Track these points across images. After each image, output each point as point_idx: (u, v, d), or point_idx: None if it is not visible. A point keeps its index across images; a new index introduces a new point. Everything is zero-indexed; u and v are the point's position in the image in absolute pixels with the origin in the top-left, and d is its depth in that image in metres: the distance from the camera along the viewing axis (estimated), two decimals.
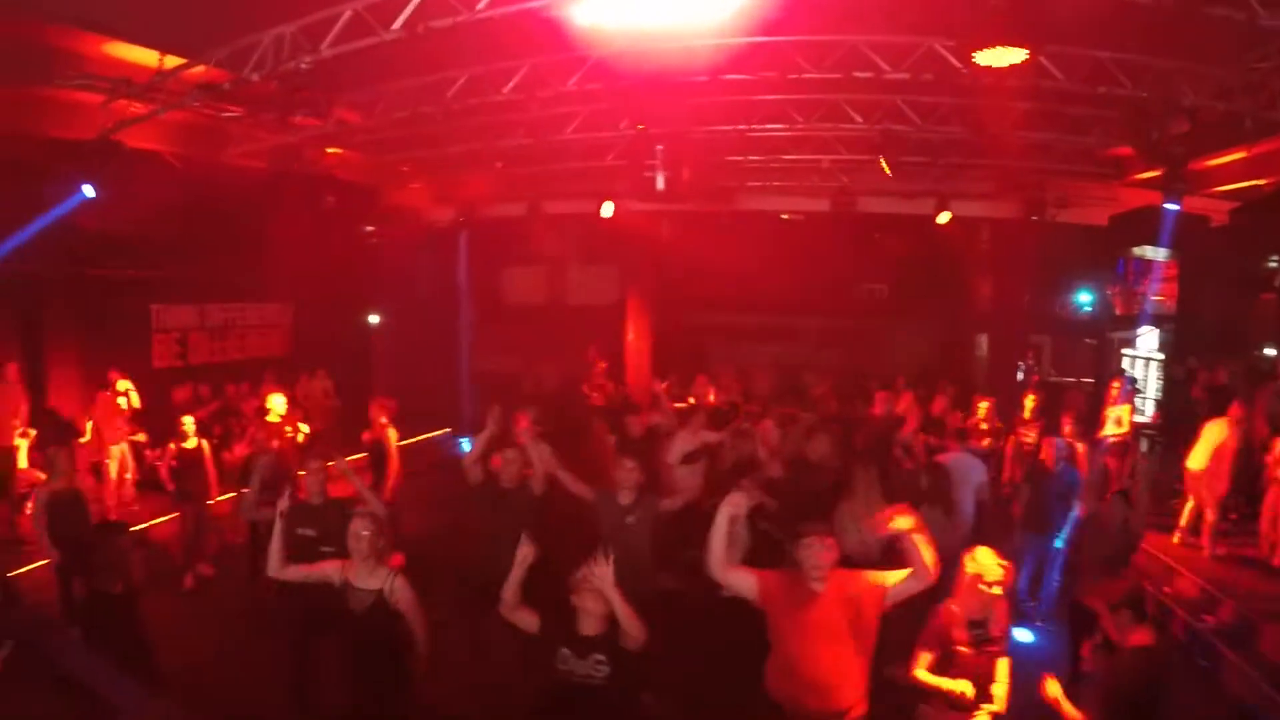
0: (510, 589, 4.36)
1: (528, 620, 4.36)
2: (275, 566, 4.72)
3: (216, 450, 9.10)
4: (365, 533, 4.64)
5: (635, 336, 16.02)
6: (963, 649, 4.34)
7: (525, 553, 4.36)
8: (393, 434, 8.69)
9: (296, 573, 4.81)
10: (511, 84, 7.85)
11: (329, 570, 4.74)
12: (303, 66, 6.53)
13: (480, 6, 5.74)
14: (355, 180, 12.17)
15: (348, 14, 6.17)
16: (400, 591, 4.61)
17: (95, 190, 8.45)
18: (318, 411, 11.57)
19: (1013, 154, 10.11)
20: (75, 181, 8.45)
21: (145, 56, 7.77)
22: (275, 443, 8.26)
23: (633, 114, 8.93)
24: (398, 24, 5.98)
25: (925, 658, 4.40)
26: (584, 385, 13.70)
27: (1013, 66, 6.24)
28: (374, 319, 15.61)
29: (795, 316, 17.49)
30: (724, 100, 9.05)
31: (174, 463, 8.67)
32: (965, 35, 6.32)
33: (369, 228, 13.91)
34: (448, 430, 14.10)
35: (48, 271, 10.25)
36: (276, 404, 9.51)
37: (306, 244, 12.45)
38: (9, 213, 8.91)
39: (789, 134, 10.15)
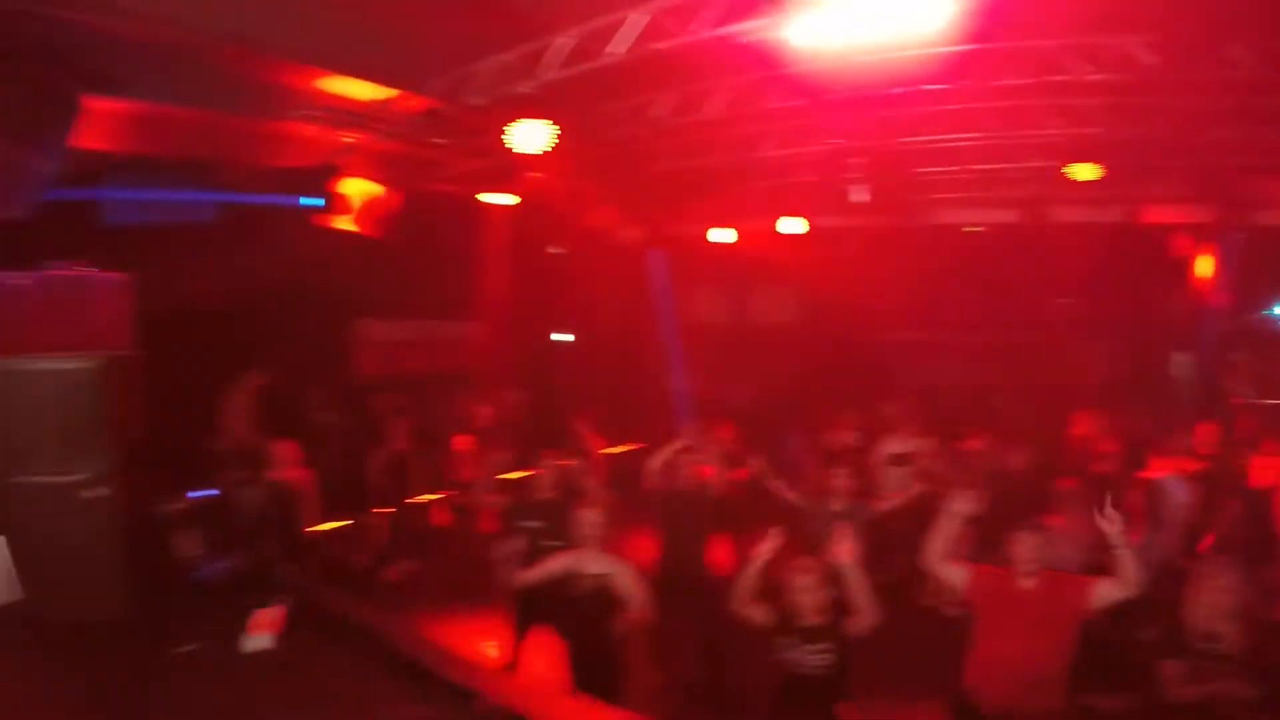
0: (745, 582, 4.53)
1: (758, 613, 4.51)
2: (515, 575, 5.00)
3: (418, 455, 9.57)
4: (594, 521, 4.86)
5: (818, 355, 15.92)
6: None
7: (767, 547, 4.50)
8: (596, 444, 9.01)
9: (532, 575, 5.05)
10: (713, 104, 7.95)
11: (560, 562, 4.96)
12: (523, 93, 6.78)
13: (695, 26, 5.85)
14: (548, 202, 12.51)
15: (567, 42, 6.40)
16: (623, 578, 4.79)
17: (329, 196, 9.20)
18: (510, 424, 11.95)
19: (1210, 153, 9.61)
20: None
21: (364, 90, 8.24)
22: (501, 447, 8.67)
23: (829, 129, 8.92)
24: (621, 47, 6.14)
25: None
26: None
27: (1210, 60, 6.01)
28: (564, 337, 16.05)
29: (981, 333, 16.67)
30: (916, 111, 8.95)
31: (382, 464, 9.15)
32: (1163, 32, 6.11)
33: (560, 248, 14.49)
34: (640, 445, 14.26)
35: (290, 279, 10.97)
36: (473, 414, 9.92)
37: (500, 264, 13.08)
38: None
39: (979, 143, 9.92)
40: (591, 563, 4.93)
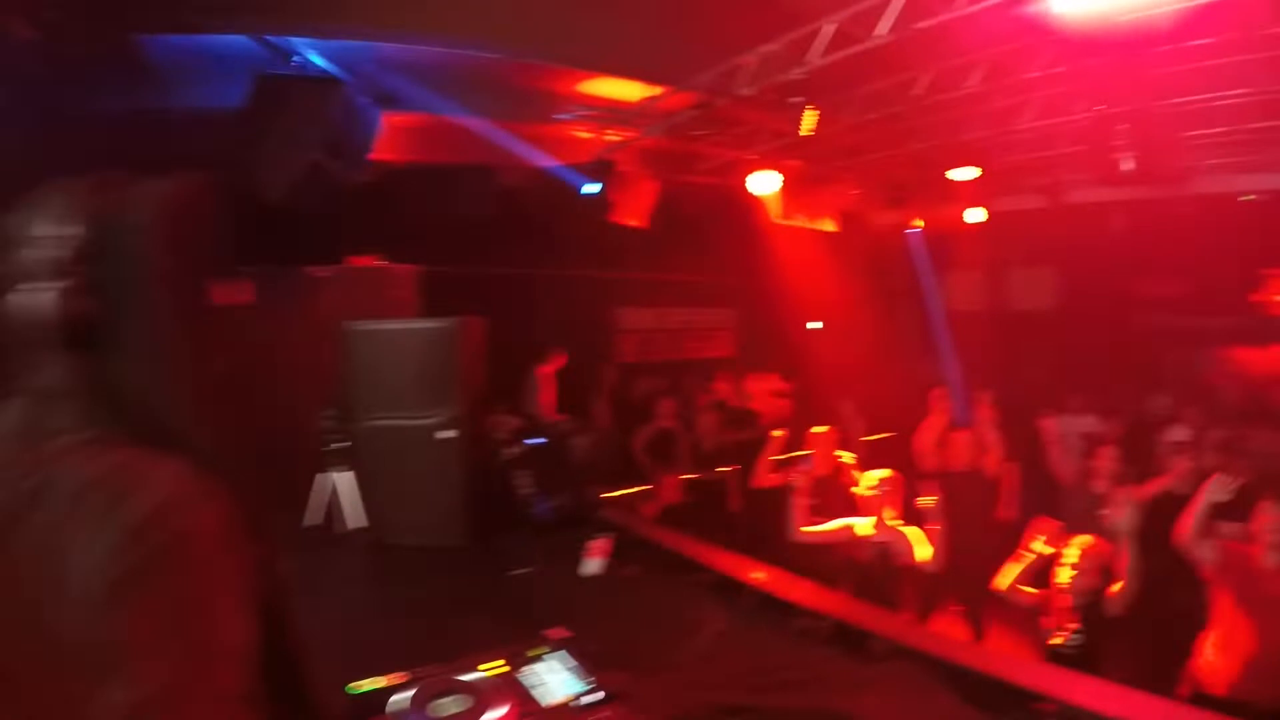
0: (1016, 562, 4.59)
1: (1025, 595, 4.55)
2: (797, 530, 5.22)
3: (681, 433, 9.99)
4: (879, 490, 5.01)
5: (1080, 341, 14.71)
6: None
7: (1035, 531, 4.54)
8: (860, 427, 9.12)
9: (814, 535, 5.25)
10: (972, 78, 7.82)
11: (842, 527, 5.14)
12: (795, 78, 7.00)
13: (957, 2, 5.87)
14: (807, 188, 12.69)
15: (830, 28, 6.56)
16: (904, 545, 4.91)
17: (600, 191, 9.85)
18: (767, 408, 12.15)
19: None
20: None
21: (631, 89, 8.74)
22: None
23: (1090, 95, 8.53)
24: (884, 28, 6.24)
25: None
26: None
27: None
28: (816, 324, 15.94)
29: (1257, 316, 14.54)
30: (1181, 70, 8.40)
31: (648, 440, 9.62)
32: None
33: (818, 233, 14.54)
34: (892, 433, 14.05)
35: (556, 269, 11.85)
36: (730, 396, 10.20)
37: (755, 252, 13.33)
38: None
39: (1250, 99, 9.13)
40: (873, 529, 5.08)
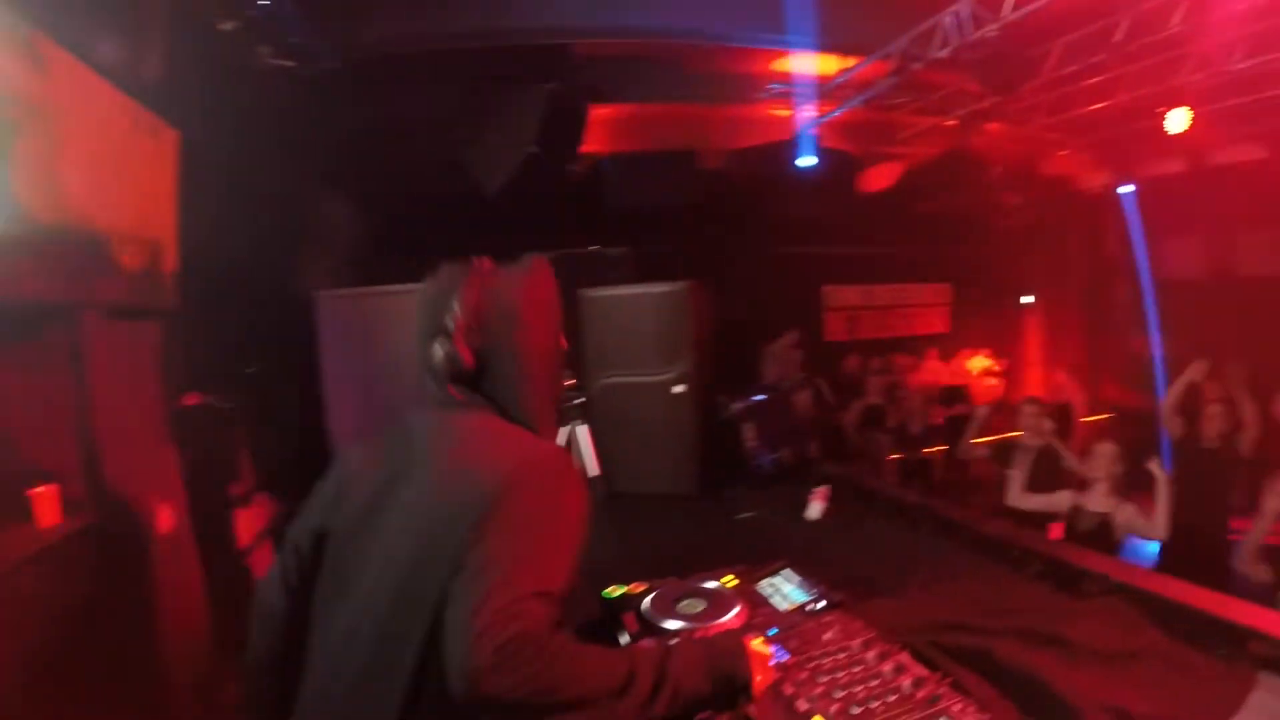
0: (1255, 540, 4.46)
1: (1263, 572, 4.43)
2: (1015, 496, 5.23)
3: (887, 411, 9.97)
4: (1104, 459, 4.93)
5: None
6: None
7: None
8: (1078, 394, 8.83)
9: (1033, 501, 5.24)
10: (1174, 18, 7.34)
11: (1062, 497, 5.11)
12: (989, 36, 6.87)
13: None
14: (1006, 153, 12.20)
15: None
16: (1125, 518, 4.82)
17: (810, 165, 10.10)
18: (978, 385, 11.95)
19: None
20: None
21: (826, 63, 8.82)
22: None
23: None
24: None
25: None
26: None
27: None
28: (1028, 299, 15.39)
29: None
30: None
31: (856, 417, 9.65)
32: None
33: (1020, 201, 13.68)
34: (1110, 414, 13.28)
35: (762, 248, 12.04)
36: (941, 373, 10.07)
37: (963, 224, 13.09)
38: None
39: None
40: (1096, 501, 5.00)
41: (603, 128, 9.50)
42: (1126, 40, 7.79)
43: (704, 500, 3.76)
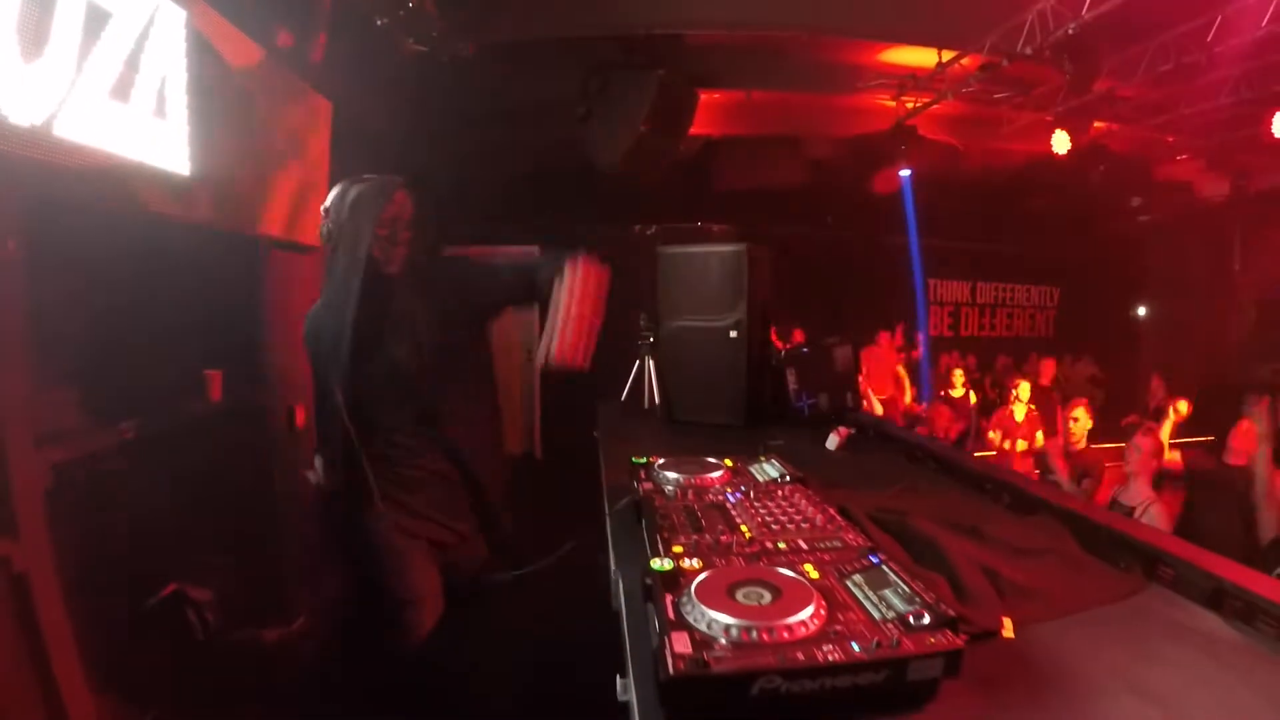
0: None
1: None
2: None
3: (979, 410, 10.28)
4: (1138, 451, 5.32)
5: None
6: None
7: None
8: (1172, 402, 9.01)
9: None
10: (1270, 13, 7.30)
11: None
12: (1070, 33, 7.21)
13: None
14: (1121, 154, 12.08)
15: None
16: (1151, 510, 5.16)
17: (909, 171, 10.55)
18: (1077, 394, 11.81)
19: None
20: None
21: (925, 56, 9.27)
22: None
23: None
24: None
25: None
26: None
27: None
28: (1142, 310, 15.29)
29: None
30: None
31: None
32: None
33: (1135, 202, 13.41)
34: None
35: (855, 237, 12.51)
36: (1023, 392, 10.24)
37: (1074, 225, 13.23)
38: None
39: None
40: (1129, 493, 5.36)
41: (712, 112, 10.13)
42: (1219, 38, 7.89)
43: (746, 430, 4.38)
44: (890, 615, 1.51)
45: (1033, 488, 3.05)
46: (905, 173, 10.82)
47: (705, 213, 9.61)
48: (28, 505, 3.09)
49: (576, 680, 3.03)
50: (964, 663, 1.44)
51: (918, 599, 1.55)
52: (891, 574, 1.69)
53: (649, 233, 8.87)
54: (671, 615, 1.50)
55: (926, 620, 1.47)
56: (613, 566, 2.25)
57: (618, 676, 1.79)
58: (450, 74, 7.23)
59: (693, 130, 9.24)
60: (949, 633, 1.45)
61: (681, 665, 1.34)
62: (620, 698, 1.72)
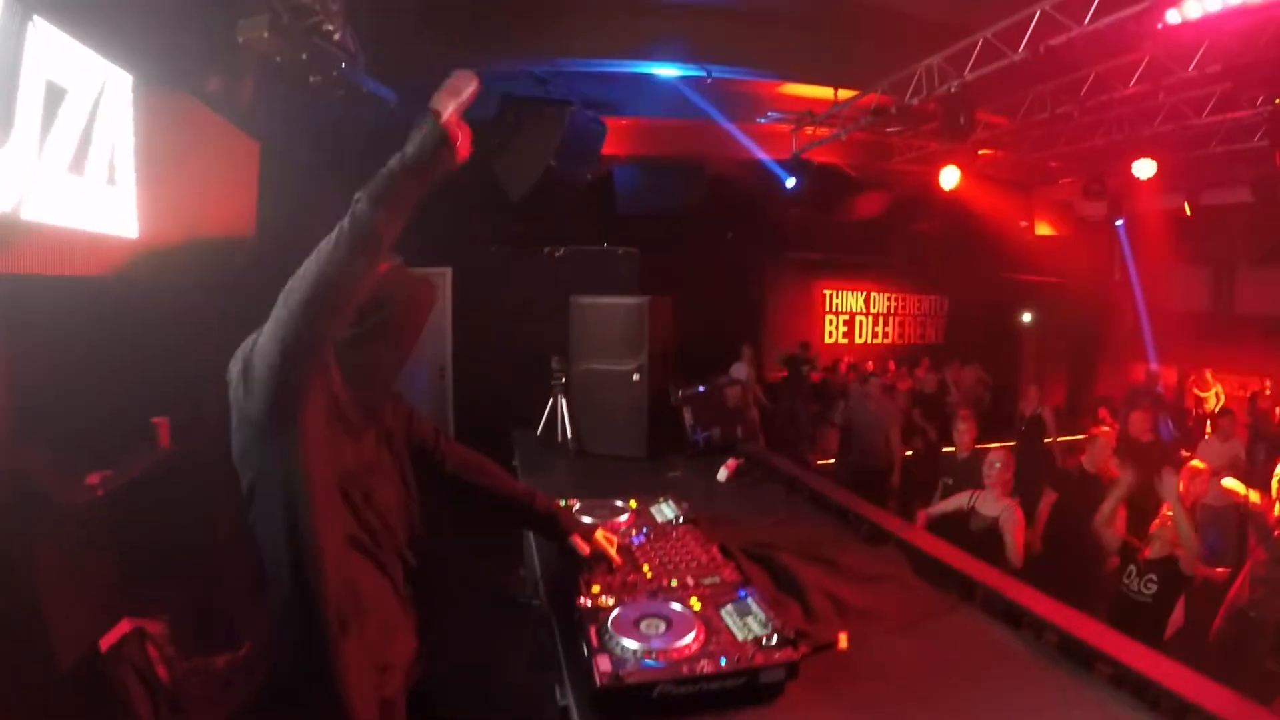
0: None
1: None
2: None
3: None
4: (997, 465, 5.90)
5: None
6: None
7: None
8: (1049, 413, 9.96)
9: (937, 509, 6.30)
10: (1135, 76, 8.33)
11: (961, 499, 6.07)
12: (951, 90, 8.10)
13: (1087, 22, 6.69)
14: (1006, 178, 13.27)
15: (980, 42, 7.59)
16: (1009, 518, 5.66)
17: (795, 184, 11.50)
18: (967, 396, 12.10)
19: None
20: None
21: (823, 92, 10.07)
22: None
23: (1265, 89, 8.14)
24: (1021, 48, 7.18)
25: None
26: None
27: None
28: (1026, 317, 16.17)
29: None
30: None
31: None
32: None
33: (1022, 223, 14.83)
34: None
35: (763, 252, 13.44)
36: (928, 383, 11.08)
37: (963, 240, 14.18)
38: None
39: None
40: (986, 504, 5.91)
41: (622, 135, 10.81)
42: (1091, 94, 8.88)
43: (649, 462, 5.07)
44: (750, 636, 2.22)
45: (885, 521, 3.73)
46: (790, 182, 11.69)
47: (612, 234, 10.13)
48: None
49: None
50: (803, 669, 2.17)
51: (770, 624, 2.27)
52: (754, 605, 2.40)
53: (557, 255, 9.38)
54: (596, 643, 2.19)
55: (775, 640, 2.19)
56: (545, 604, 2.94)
57: (555, 686, 2.49)
58: (371, 108, 7.62)
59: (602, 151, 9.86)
60: (790, 649, 2.16)
61: (605, 680, 2.03)
62: (560, 703, 2.39)
